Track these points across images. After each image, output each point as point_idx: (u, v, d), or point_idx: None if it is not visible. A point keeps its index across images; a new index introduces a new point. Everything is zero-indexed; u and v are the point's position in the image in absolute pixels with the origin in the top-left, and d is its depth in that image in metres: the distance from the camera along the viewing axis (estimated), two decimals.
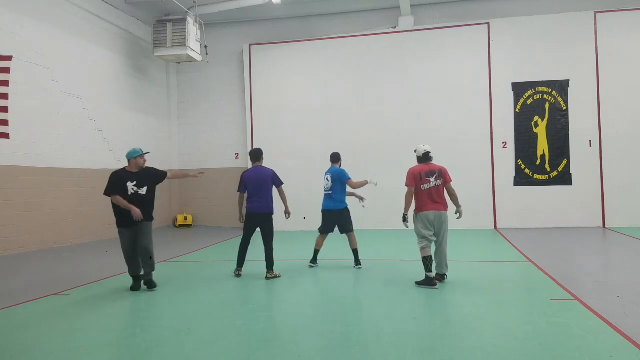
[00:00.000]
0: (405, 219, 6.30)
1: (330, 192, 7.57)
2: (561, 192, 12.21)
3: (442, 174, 6.28)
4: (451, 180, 6.32)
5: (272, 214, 7.06)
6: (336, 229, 7.69)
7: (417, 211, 6.22)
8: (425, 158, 6.36)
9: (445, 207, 6.25)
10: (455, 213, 6.35)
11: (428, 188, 6.19)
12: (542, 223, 12.07)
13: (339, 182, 7.57)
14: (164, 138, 14.54)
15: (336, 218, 7.57)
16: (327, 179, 7.63)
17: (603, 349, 3.87)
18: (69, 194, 10.60)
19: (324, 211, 7.65)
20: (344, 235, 7.70)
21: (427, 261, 6.10)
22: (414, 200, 6.29)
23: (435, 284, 6.05)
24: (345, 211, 7.61)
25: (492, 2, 13.00)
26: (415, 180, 6.24)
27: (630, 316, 4.68)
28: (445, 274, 6.34)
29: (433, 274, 6.11)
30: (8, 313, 5.35)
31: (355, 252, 7.58)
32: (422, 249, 6.15)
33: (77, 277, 7.15)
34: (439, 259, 6.30)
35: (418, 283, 6.16)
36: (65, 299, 5.95)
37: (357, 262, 7.54)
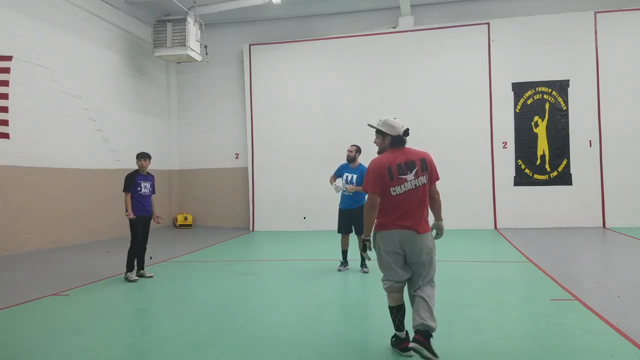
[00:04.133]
0: (365, 248, 4.09)
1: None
2: (561, 192, 12.20)
3: (428, 167, 3.84)
4: (438, 179, 3.95)
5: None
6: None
7: (376, 228, 3.89)
8: (399, 141, 3.90)
9: (428, 226, 3.85)
10: (432, 229, 3.93)
11: (403, 192, 3.75)
12: (542, 223, 12.07)
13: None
14: (164, 138, 14.54)
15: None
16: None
17: (603, 349, 3.87)
18: (69, 193, 10.60)
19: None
20: (340, 235, 7.57)
21: (393, 313, 3.90)
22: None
23: (408, 349, 3.74)
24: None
25: (492, 2, 13.00)
26: (381, 181, 3.79)
27: (630, 316, 4.68)
28: (429, 329, 3.63)
29: (403, 334, 3.89)
30: (8, 313, 5.35)
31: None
32: (387, 291, 3.93)
33: (77, 277, 7.15)
34: (416, 306, 3.77)
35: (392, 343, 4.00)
36: (65, 299, 5.94)
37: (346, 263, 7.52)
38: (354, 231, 7.32)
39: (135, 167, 7.20)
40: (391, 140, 3.92)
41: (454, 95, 12.64)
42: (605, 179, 12.01)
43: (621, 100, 11.92)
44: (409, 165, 3.81)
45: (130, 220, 6.98)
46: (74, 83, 10.77)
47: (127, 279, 6.87)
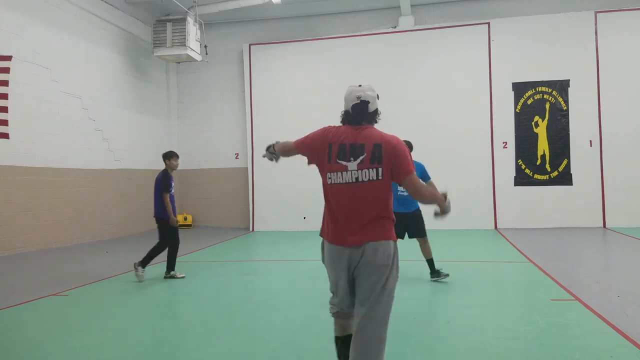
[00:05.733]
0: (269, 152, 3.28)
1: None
2: (561, 192, 12.20)
3: (383, 157, 2.70)
4: (410, 173, 2.73)
5: (159, 217, 6.96)
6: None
7: (321, 232, 2.98)
8: (356, 115, 2.86)
9: (376, 234, 2.74)
10: (435, 215, 2.93)
11: (339, 184, 2.76)
12: (542, 223, 12.06)
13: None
14: (164, 138, 14.53)
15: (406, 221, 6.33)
16: None
17: (603, 349, 3.86)
18: (69, 194, 10.59)
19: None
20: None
21: (337, 346, 3.00)
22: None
23: None
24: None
25: (492, 2, 13.00)
26: (314, 147, 2.93)
27: (630, 316, 4.68)
28: None
29: None
30: (8, 313, 5.35)
31: (429, 262, 6.51)
32: (333, 317, 3.02)
33: (77, 277, 7.15)
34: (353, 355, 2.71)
35: None
36: (65, 299, 5.94)
37: (433, 272, 6.49)
38: (407, 236, 6.45)
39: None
40: (342, 116, 2.96)
41: (454, 95, 12.64)
42: (606, 179, 12.01)
43: (621, 100, 11.92)
44: (355, 150, 2.75)
45: (172, 222, 6.90)
46: (74, 83, 10.77)
47: (174, 277, 6.88)
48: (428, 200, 2.84)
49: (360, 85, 2.93)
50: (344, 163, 2.76)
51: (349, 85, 2.96)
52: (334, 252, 2.81)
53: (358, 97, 2.84)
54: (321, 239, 2.97)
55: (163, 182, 6.86)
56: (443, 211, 2.85)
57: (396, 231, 6.55)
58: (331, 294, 2.98)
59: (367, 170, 2.71)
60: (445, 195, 2.83)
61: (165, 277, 6.96)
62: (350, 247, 2.72)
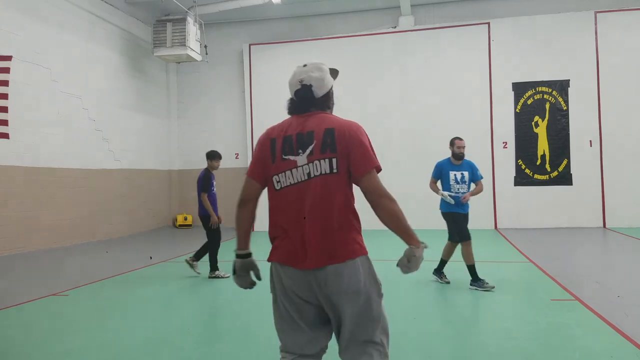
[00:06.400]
0: (235, 268, 2.40)
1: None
2: (561, 192, 12.20)
3: (337, 144, 2.17)
4: (371, 168, 2.16)
5: (203, 216, 7.00)
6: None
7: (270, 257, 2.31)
8: (300, 103, 2.35)
9: (335, 256, 2.12)
10: (398, 265, 2.30)
11: (288, 187, 2.21)
12: (543, 223, 12.06)
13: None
14: (164, 138, 14.54)
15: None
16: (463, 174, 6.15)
17: (603, 349, 3.87)
18: (69, 194, 10.60)
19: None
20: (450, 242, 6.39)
21: None
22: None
23: None
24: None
25: (492, 2, 13.00)
26: (260, 159, 2.29)
27: (630, 316, 4.68)
28: None
29: None
30: (8, 313, 5.35)
31: (444, 263, 6.42)
32: None
33: (77, 277, 7.14)
34: None
35: None
36: (65, 299, 5.94)
37: (439, 271, 6.48)
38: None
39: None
40: (287, 106, 2.39)
41: (454, 95, 12.64)
42: (606, 179, 12.01)
43: (621, 100, 11.92)
44: (303, 140, 2.20)
45: (214, 222, 6.93)
46: (74, 83, 10.77)
47: (218, 277, 6.90)
48: (392, 221, 2.16)
49: (305, 65, 2.38)
50: (292, 158, 2.19)
51: (296, 66, 2.40)
52: (289, 276, 2.19)
53: (300, 81, 2.32)
54: (269, 264, 2.31)
55: (204, 182, 6.90)
56: (409, 259, 2.19)
57: (458, 231, 6.21)
58: (279, 337, 2.40)
59: (319, 163, 2.15)
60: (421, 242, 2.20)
61: (209, 277, 6.98)
62: (309, 269, 2.13)
